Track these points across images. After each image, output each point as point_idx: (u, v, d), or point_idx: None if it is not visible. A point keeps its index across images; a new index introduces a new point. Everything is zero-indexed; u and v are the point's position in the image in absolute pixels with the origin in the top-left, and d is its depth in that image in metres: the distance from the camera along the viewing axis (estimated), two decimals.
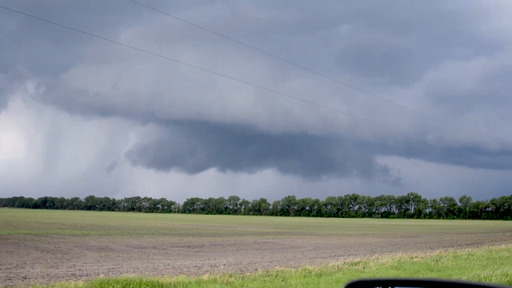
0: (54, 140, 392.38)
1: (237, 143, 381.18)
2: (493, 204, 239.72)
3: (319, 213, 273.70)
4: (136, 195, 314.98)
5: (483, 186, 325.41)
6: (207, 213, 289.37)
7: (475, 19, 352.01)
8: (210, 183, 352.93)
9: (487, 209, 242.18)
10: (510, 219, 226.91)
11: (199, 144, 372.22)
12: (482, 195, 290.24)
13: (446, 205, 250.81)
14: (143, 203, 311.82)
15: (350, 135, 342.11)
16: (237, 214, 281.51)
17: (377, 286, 2.77)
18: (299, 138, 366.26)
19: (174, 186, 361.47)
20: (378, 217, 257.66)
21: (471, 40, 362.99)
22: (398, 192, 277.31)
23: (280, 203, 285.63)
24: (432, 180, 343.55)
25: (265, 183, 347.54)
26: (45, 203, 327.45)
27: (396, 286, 2.79)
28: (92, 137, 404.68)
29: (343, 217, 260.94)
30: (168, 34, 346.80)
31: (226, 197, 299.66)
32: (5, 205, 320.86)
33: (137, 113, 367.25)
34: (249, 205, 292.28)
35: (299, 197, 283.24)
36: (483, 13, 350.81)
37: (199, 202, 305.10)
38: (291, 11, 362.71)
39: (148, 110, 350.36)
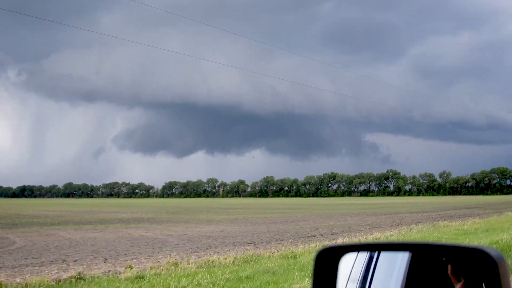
0: (39, 128, 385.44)
1: (224, 125, 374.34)
2: (473, 179, 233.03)
3: (298, 193, 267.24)
4: (121, 181, 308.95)
5: (466, 160, 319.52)
6: (185, 197, 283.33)
7: None
8: (198, 166, 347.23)
9: (467, 184, 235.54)
10: (490, 194, 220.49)
11: (186, 127, 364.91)
12: (465, 169, 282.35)
13: (426, 182, 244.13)
14: (122, 189, 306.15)
15: (337, 113, 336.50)
16: (215, 197, 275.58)
17: (348, 252, 2.75)
18: (287, 118, 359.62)
19: (162, 170, 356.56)
20: (357, 196, 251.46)
21: (455, 14, 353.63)
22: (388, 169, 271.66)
23: (259, 184, 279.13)
24: (420, 156, 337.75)
25: (254, 163, 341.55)
26: (23, 192, 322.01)
27: (367, 250, 2.76)
28: (77, 123, 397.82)
29: (321, 196, 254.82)
30: (151, 17, 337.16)
31: (205, 180, 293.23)
32: None
33: (123, 98, 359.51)
34: (228, 187, 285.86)
35: (291, 177, 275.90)
36: None
37: (177, 186, 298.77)
38: None
39: (133, 94, 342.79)
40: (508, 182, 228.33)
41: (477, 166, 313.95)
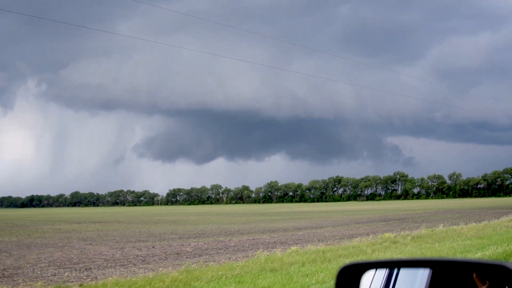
0: (59, 138, 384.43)
1: (243, 130, 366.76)
2: (484, 180, 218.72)
3: (303, 198, 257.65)
4: (141, 189, 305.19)
5: (482, 161, 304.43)
6: (189, 204, 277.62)
7: None
8: (218, 173, 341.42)
9: (478, 186, 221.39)
10: (502, 196, 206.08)
11: (206, 133, 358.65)
12: (479, 170, 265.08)
13: (435, 184, 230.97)
14: (127, 197, 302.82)
15: (357, 117, 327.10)
16: (220, 203, 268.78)
17: (370, 269, 2.79)
18: (306, 122, 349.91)
19: (182, 177, 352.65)
20: (363, 200, 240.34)
21: (475, 14, 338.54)
22: (413, 172, 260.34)
23: (263, 189, 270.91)
24: (442, 158, 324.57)
25: (275, 169, 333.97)
26: (32, 202, 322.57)
27: (388, 267, 2.79)
28: (97, 132, 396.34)
29: (327, 201, 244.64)
30: (167, 24, 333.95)
31: (208, 186, 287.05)
32: None
33: (141, 105, 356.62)
34: (231, 193, 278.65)
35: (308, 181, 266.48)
36: None
37: (181, 193, 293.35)
38: None
39: (151, 101, 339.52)
40: None
41: (492, 167, 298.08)
